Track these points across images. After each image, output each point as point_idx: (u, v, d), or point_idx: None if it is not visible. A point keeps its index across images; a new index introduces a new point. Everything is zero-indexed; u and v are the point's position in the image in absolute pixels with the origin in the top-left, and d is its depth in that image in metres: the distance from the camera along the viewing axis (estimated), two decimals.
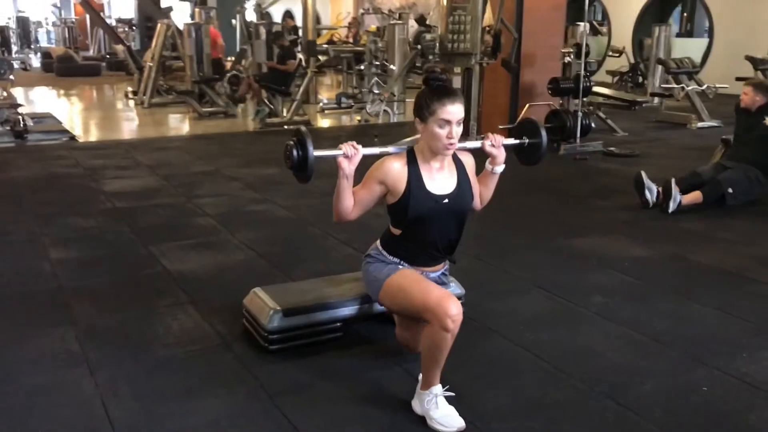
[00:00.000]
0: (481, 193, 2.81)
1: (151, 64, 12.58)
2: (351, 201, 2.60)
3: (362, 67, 11.19)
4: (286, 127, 9.95)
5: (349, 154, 2.52)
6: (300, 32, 14.85)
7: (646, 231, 4.89)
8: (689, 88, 10.05)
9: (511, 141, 2.96)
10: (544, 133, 2.94)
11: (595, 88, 10.94)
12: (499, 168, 2.77)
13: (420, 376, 2.56)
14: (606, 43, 16.93)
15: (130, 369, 2.89)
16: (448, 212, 2.60)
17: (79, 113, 12.43)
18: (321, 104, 11.78)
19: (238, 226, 4.91)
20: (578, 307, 3.55)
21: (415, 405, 2.56)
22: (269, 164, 7.16)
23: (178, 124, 10.89)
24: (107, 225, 5.00)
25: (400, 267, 2.64)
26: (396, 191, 2.57)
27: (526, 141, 3.00)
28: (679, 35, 17.26)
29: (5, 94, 12.19)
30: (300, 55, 10.35)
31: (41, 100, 14.21)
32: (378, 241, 2.74)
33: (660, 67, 11.38)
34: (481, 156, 2.80)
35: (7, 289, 3.77)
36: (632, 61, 14.79)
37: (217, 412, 2.56)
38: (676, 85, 10.29)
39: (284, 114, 10.28)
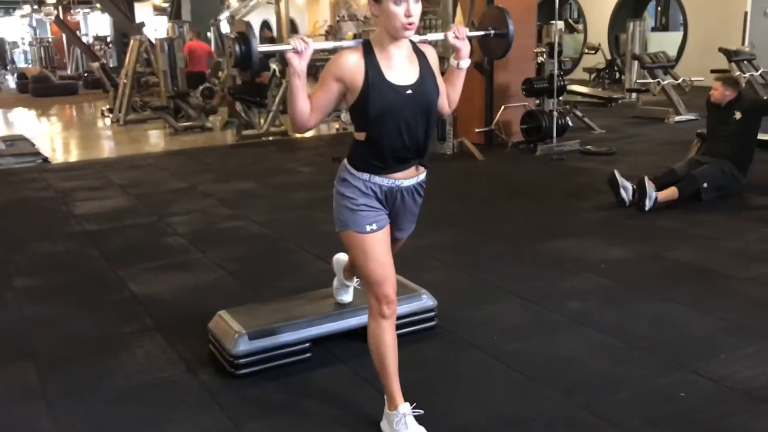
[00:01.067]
0: (448, 93, 2.52)
1: (125, 81, 12.45)
2: (307, 104, 2.33)
3: None
4: (264, 138, 9.89)
5: (300, 49, 2.26)
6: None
7: (623, 230, 4.83)
8: (665, 82, 10.05)
9: (476, 33, 2.74)
10: (510, 21, 2.73)
11: (571, 87, 10.94)
12: (465, 63, 2.49)
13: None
14: (582, 40, 16.95)
15: (91, 403, 2.79)
16: (413, 104, 2.34)
17: (53, 134, 12.26)
18: None
19: (209, 245, 4.81)
20: (554, 314, 3.48)
21: (384, 426, 2.48)
22: (245, 178, 7.06)
23: (154, 140, 10.75)
24: (75, 249, 4.89)
25: (368, 229, 2.40)
26: (354, 86, 2.31)
27: (492, 32, 2.79)
28: (654, 29, 17.32)
29: None
30: (274, 66, 10.24)
31: (15, 122, 14.04)
32: (345, 159, 2.47)
33: (636, 63, 11.37)
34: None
35: None
36: (608, 57, 14.79)
37: None
38: (652, 80, 10.29)
39: (261, 126, 10.18)
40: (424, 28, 7.85)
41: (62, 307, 3.80)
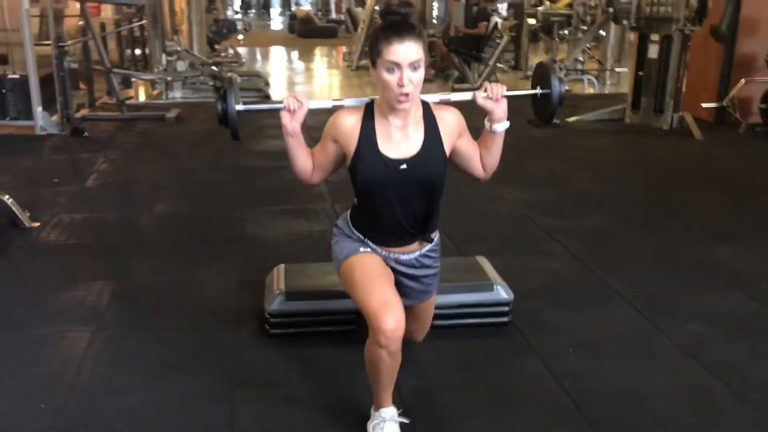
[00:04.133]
0: (482, 157, 2.19)
1: (362, 26, 12.79)
2: (306, 163, 2.16)
3: (567, 32, 10.31)
4: None
5: (292, 108, 2.06)
6: None
7: None
8: None
9: (515, 92, 2.25)
10: (554, 79, 2.27)
11: None
12: (500, 126, 2.13)
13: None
14: None
15: (132, 335, 2.85)
16: (407, 181, 2.06)
17: (290, 72, 13.06)
18: (528, 72, 11.13)
19: (343, 197, 4.72)
20: (662, 336, 2.85)
21: (369, 426, 2.19)
22: None
23: (370, 86, 10.94)
24: (228, 182, 5.11)
25: (361, 250, 2.18)
26: (348, 151, 2.09)
27: (539, 91, 2.33)
28: None
29: (231, 52, 13.20)
30: (496, 18, 9.77)
31: (266, 59, 15.20)
32: (348, 211, 2.28)
33: None
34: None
35: (89, 238, 3.97)
36: None
37: (167, 395, 2.41)
38: None
39: (476, 80, 9.85)
40: None
41: (177, 238, 3.97)
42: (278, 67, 14.04)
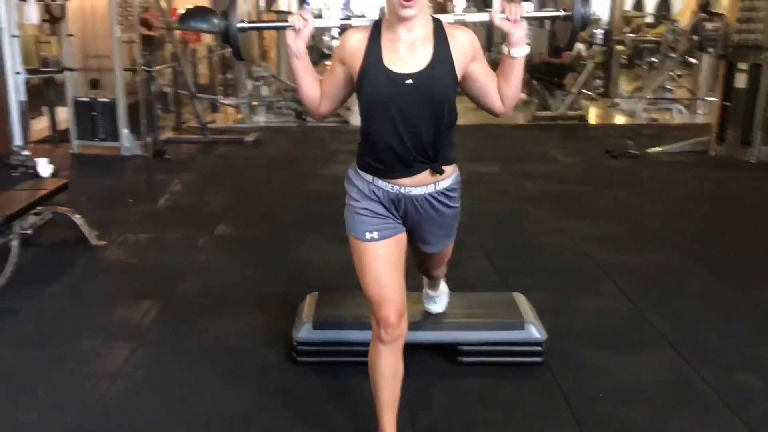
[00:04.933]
0: (500, 87, 2.04)
1: None
2: (313, 88, 2.08)
3: (656, 60, 9.97)
4: (559, 121, 9.36)
5: (298, 27, 1.99)
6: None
7: None
8: None
9: (536, 13, 2.09)
10: (579, 2, 2.07)
11: None
12: (519, 51, 1.98)
13: None
14: None
15: (167, 355, 2.95)
16: (412, 96, 1.95)
17: None
18: (616, 99, 10.81)
19: None
20: (705, 385, 2.68)
21: None
22: (494, 159, 6.77)
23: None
24: (293, 206, 5.22)
25: (367, 237, 2.08)
26: (353, 71, 2.00)
27: (563, 13, 2.13)
28: None
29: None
30: (579, 45, 9.56)
31: None
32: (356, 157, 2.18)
33: None
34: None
35: (147, 258, 4.14)
36: None
37: (187, 415, 2.48)
38: None
39: (557, 107, 9.65)
40: (743, 10, 6.58)
41: (227, 260, 4.08)
42: None
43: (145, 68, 6.85)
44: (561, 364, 2.82)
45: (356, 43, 2.01)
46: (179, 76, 7.98)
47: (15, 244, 3.72)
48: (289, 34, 2.02)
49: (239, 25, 2.14)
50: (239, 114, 9.69)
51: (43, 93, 7.41)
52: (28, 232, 3.93)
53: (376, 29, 2.01)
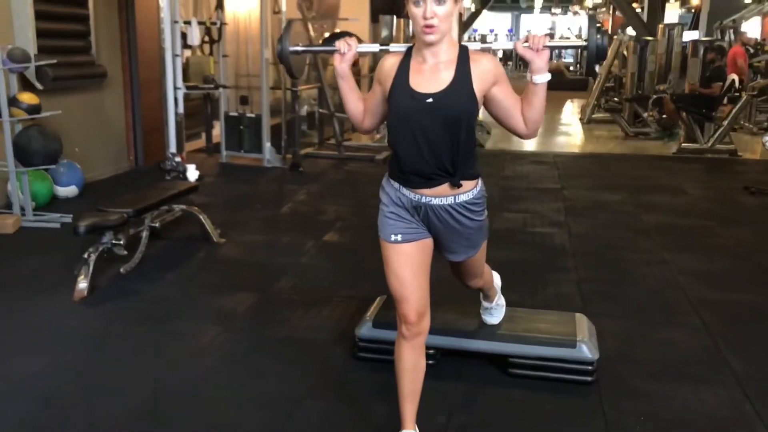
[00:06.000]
0: (523, 111, 2.20)
1: (599, 80, 12.61)
2: (357, 106, 2.35)
3: None
4: (707, 155, 8.94)
5: (343, 51, 2.24)
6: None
7: None
8: None
9: (560, 42, 2.44)
10: (593, 32, 2.20)
11: None
12: (540, 78, 2.13)
13: None
14: None
15: (247, 340, 3.29)
16: (432, 115, 2.13)
17: None
18: None
19: (500, 242, 4.83)
20: (759, 423, 2.59)
21: None
22: (620, 189, 6.65)
23: (595, 140, 10.70)
24: None
25: (392, 239, 2.27)
26: (386, 89, 2.24)
27: (582, 42, 2.32)
28: None
29: None
30: (732, 76, 9.06)
31: None
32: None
33: None
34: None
35: (257, 257, 4.55)
36: None
37: (247, 392, 2.78)
38: None
39: (706, 141, 9.21)
40: None
41: (324, 263, 4.40)
42: None
43: (289, 88, 7.44)
44: (611, 386, 2.84)
45: (390, 66, 2.24)
46: (322, 96, 8.55)
47: (144, 234, 4.27)
48: (336, 58, 2.27)
49: (291, 48, 2.45)
50: (377, 134, 10.14)
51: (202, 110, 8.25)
52: (156, 225, 4.47)
53: (408, 54, 2.24)
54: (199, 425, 2.57)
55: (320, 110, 8.71)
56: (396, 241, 2.28)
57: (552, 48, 2.17)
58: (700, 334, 3.39)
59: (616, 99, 12.87)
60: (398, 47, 2.31)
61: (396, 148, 2.24)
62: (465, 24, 24.77)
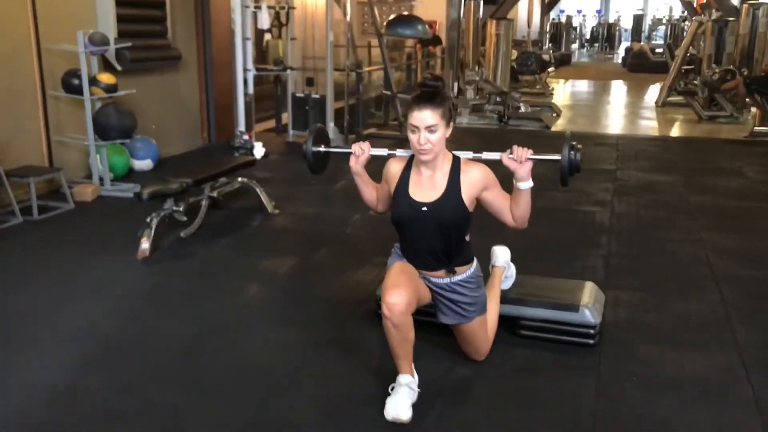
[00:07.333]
0: (512, 209, 2.60)
1: (676, 62, 12.34)
2: (371, 195, 2.78)
3: None
4: None
5: (357, 154, 2.68)
6: None
7: None
8: None
9: (540, 156, 2.56)
10: (566, 149, 2.56)
11: None
12: (525, 185, 2.52)
13: None
14: None
15: (282, 296, 3.65)
16: (427, 221, 2.55)
17: (590, 105, 13.10)
18: None
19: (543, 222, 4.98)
20: (751, 390, 2.71)
21: (390, 387, 2.61)
22: (675, 172, 6.63)
23: (667, 124, 10.55)
24: None
25: (401, 256, 2.73)
26: (391, 190, 2.67)
27: (557, 157, 2.60)
28: None
29: (538, 86, 13.72)
30: None
31: (579, 92, 15.38)
32: None
33: None
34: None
35: (306, 227, 4.89)
36: None
37: (268, 338, 3.12)
38: None
39: None
40: None
41: (365, 233, 4.68)
42: (585, 99, 14.19)
43: (352, 69, 7.74)
44: (612, 349, 3.01)
45: (394, 172, 2.67)
46: (386, 78, 8.82)
47: (204, 203, 4.68)
48: (351, 159, 2.69)
49: (313, 149, 2.87)
50: None
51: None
52: (215, 195, 4.88)
53: (410, 162, 2.62)
54: (228, 363, 2.91)
55: (384, 92, 8.98)
56: (402, 260, 2.69)
57: (533, 160, 2.50)
58: (716, 306, 3.49)
59: (695, 82, 12.56)
60: (403, 152, 2.69)
61: (401, 241, 2.69)
62: (548, 5, 24.46)
